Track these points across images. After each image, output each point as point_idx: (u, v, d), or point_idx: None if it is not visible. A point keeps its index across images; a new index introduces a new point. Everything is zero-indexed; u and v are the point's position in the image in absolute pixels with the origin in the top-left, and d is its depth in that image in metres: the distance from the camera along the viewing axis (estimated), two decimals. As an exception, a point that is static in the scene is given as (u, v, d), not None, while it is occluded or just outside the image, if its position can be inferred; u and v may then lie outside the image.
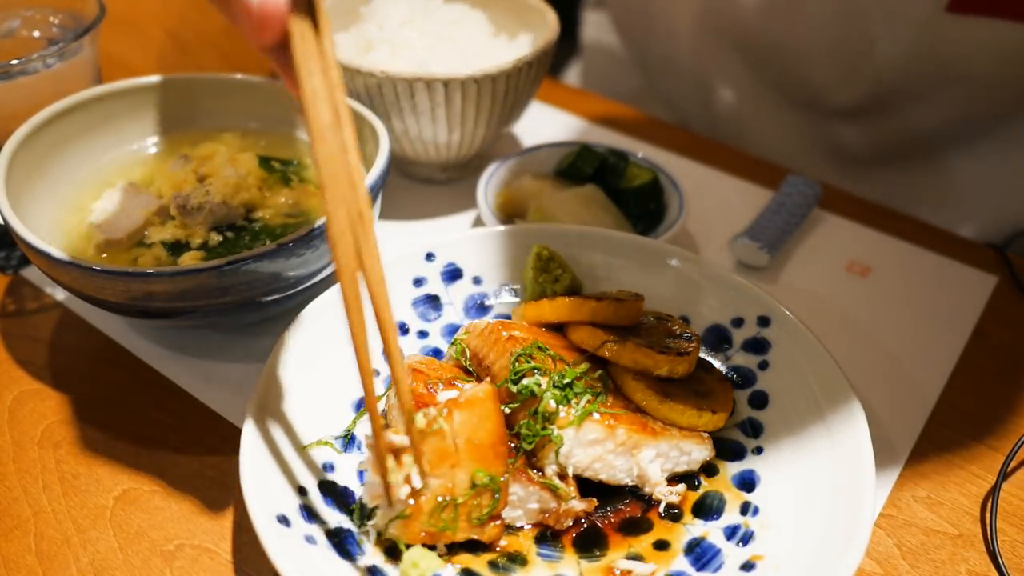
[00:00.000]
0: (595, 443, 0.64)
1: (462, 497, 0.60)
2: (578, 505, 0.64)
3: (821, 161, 1.26)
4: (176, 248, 0.80)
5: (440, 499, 0.60)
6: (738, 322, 0.76)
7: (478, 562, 0.62)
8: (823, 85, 1.20)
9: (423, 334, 0.78)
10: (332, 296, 0.73)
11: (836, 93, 1.19)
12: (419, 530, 0.60)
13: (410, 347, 0.77)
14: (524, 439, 0.63)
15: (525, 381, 0.65)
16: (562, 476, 0.64)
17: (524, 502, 0.64)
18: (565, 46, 1.60)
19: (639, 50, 1.43)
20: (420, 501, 0.60)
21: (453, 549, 0.62)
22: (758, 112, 1.29)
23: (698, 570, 0.61)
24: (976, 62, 1.08)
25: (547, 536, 0.64)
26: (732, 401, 0.71)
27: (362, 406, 0.71)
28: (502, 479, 0.61)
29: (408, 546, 0.61)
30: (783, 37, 1.19)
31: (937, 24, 1.06)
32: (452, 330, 0.79)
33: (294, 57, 0.53)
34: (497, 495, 0.61)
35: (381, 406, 0.72)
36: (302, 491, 0.62)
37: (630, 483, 0.66)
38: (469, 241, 0.81)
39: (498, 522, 0.62)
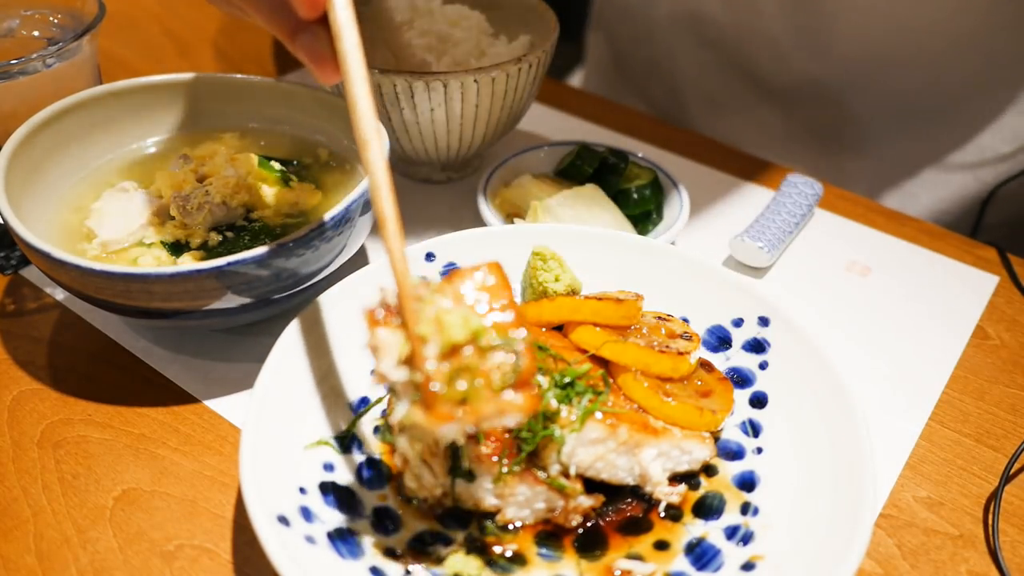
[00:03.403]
0: (597, 442, 0.64)
1: (475, 360, 0.55)
2: (586, 501, 0.64)
3: (800, 149, 1.27)
4: (176, 248, 0.80)
5: (452, 366, 0.54)
6: (738, 322, 0.76)
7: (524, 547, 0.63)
8: (792, 70, 1.22)
9: (423, 334, 0.78)
10: (332, 296, 0.73)
11: (806, 77, 1.22)
12: (442, 410, 0.54)
13: (410, 347, 0.77)
14: (526, 440, 0.63)
15: (525, 381, 0.64)
16: (565, 475, 0.64)
17: (531, 502, 0.64)
18: (568, 54, 1.61)
19: (626, 59, 1.45)
20: (431, 377, 0.54)
21: (457, 520, 0.62)
22: (734, 106, 1.31)
23: (698, 570, 0.61)
24: (931, 18, 1.10)
25: (547, 536, 0.64)
26: (732, 401, 0.71)
27: (362, 406, 0.71)
28: (522, 337, 0.56)
29: (431, 534, 0.61)
30: (748, 28, 1.22)
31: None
32: (452, 330, 0.79)
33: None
34: (518, 354, 0.56)
35: (381, 407, 0.72)
36: (302, 491, 0.62)
37: (631, 482, 0.66)
38: (469, 241, 0.81)
39: (534, 390, 0.56)
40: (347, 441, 0.68)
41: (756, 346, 0.74)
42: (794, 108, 1.28)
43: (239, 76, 0.93)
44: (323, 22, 0.59)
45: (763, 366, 0.73)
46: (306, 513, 0.61)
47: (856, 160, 1.24)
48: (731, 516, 0.65)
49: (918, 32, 1.12)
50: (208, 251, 0.79)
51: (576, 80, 1.68)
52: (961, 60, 1.13)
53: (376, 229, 0.58)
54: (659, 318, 0.76)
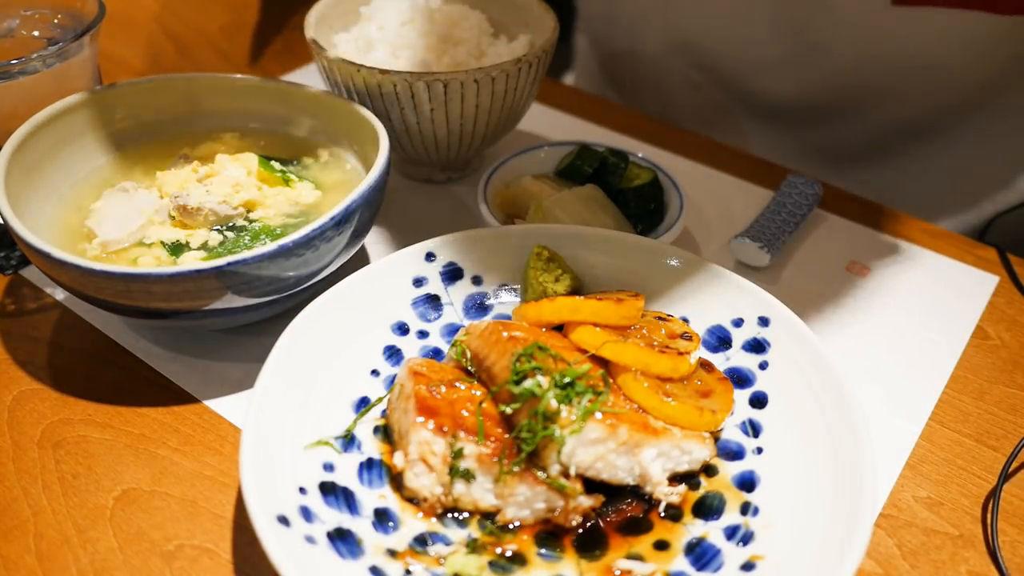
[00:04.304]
0: (597, 442, 0.64)
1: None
2: (586, 501, 0.64)
3: (794, 170, 1.28)
4: (176, 248, 0.80)
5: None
6: (738, 322, 0.76)
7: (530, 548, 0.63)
8: (786, 95, 1.23)
9: (423, 334, 0.78)
10: (332, 296, 0.73)
11: (800, 101, 1.22)
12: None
13: (410, 347, 0.77)
14: (526, 440, 0.63)
15: (527, 383, 0.64)
16: (565, 475, 0.64)
17: (531, 502, 0.64)
18: (562, 55, 1.61)
19: (611, 71, 1.47)
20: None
21: (457, 520, 0.62)
22: (727, 125, 1.32)
23: (698, 570, 0.61)
24: (930, 53, 1.09)
25: (547, 536, 0.64)
26: (732, 401, 0.71)
27: (362, 406, 0.71)
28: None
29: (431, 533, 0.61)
30: (740, 54, 1.22)
31: (885, 20, 1.07)
32: (452, 330, 0.79)
33: None
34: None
35: (381, 407, 0.72)
36: (302, 491, 0.62)
37: (632, 482, 0.66)
38: (469, 241, 0.81)
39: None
40: (347, 441, 0.68)
41: (756, 346, 0.74)
42: (787, 130, 1.29)
43: (239, 76, 0.93)
44: None
45: (763, 366, 0.73)
46: (306, 513, 0.61)
47: (852, 184, 1.24)
48: (731, 516, 0.65)
49: (913, 62, 1.11)
50: (208, 251, 0.79)
51: (568, 81, 1.68)
52: (958, 89, 1.13)
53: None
54: (659, 318, 0.76)
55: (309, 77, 1.28)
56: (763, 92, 1.25)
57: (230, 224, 0.82)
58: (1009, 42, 1.06)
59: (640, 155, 0.99)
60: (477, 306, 0.81)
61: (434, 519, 0.64)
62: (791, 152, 1.28)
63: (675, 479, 0.68)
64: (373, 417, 0.71)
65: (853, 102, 1.19)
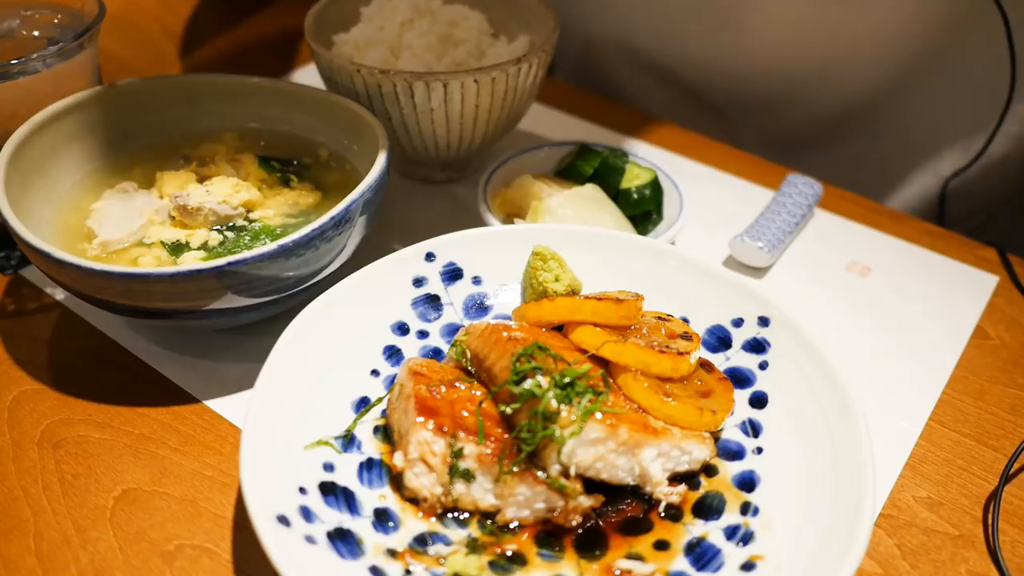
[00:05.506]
0: (597, 442, 0.64)
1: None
2: (586, 501, 0.64)
3: (756, 158, 1.30)
4: (176, 248, 0.80)
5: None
6: (738, 322, 0.76)
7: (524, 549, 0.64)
8: (730, 89, 1.26)
9: (423, 334, 0.78)
10: (332, 296, 0.73)
11: (746, 93, 1.26)
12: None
13: (410, 348, 0.77)
14: (526, 440, 0.63)
15: (527, 383, 0.64)
16: (565, 475, 0.64)
17: (531, 502, 0.64)
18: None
19: (577, 78, 1.50)
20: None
21: (457, 520, 0.62)
22: (681, 122, 1.35)
23: (698, 570, 0.61)
24: (855, 27, 1.12)
25: (547, 536, 0.64)
26: (732, 401, 0.71)
27: (362, 407, 0.71)
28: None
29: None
30: (678, 54, 1.26)
31: (810, 12, 1.10)
32: (452, 330, 0.79)
33: None
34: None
35: (381, 407, 0.72)
36: (302, 491, 0.62)
37: (631, 482, 0.66)
38: (469, 241, 0.81)
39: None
40: (347, 441, 0.68)
41: (756, 346, 0.74)
42: (740, 121, 1.30)
43: (239, 76, 0.93)
44: None
45: (763, 366, 0.73)
46: (306, 513, 0.61)
47: (812, 165, 1.25)
48: (731, 516, 0.65)
49: (849, 39, 1.13)
50: (208, 251, 0.80)
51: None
52: (897, 59, 1.14)
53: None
54: (659, 318, 0.76)
55: (309, 77, 1.28)
56: (707, 88, 1.28)
57: (230, 224, 0.82)
58: (931, 3, 1.07)
59: (640, 155, 0.99)
60: (477, 306, 0.81)
61: (434, 519, 0.64)
62: (748, 144, 1.31)
63: (675, 479, 0.68)
64: (373, 417, 0.71)
65: (798, 86, 1.21)
